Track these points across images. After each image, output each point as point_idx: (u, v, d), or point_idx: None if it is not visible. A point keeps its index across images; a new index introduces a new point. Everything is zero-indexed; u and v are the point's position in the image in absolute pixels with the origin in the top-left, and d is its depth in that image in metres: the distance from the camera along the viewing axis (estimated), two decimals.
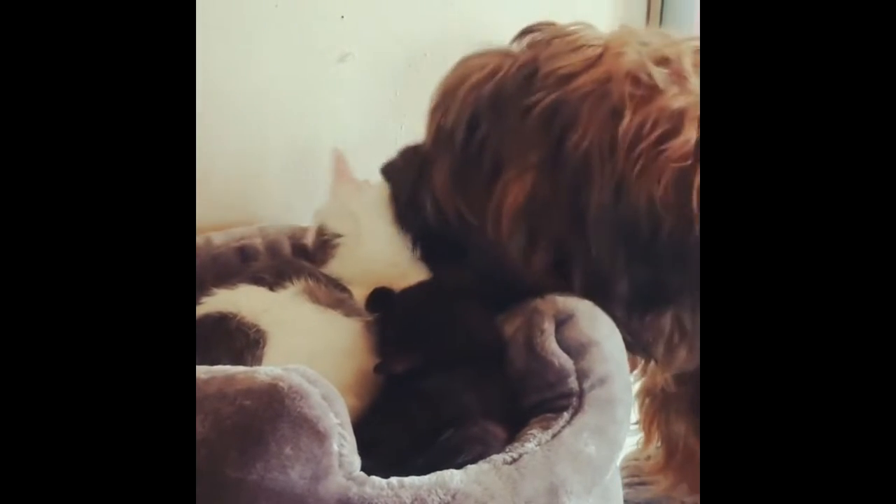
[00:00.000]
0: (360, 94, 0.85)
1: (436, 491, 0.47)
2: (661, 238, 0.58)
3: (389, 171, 0.71)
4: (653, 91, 0.59)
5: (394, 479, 0.48)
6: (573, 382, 0.56)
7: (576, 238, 0.61)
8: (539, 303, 0.60)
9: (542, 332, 0.58)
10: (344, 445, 0.47)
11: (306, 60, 0.82)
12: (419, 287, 0.65)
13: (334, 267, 0.69)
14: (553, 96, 0.60)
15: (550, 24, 0.68)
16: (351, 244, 0.69)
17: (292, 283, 0.65)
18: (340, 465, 0.47)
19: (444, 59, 0.75)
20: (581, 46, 0.62)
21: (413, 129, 0.75)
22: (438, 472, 0.49)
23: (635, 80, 0.59)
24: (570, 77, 0.60)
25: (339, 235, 0.70)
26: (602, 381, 0.57)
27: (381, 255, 0.69)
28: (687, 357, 0.66)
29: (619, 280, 0.61)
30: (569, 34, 0.64)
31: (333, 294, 0.66)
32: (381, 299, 0.64)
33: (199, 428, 0.46)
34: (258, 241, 0.77)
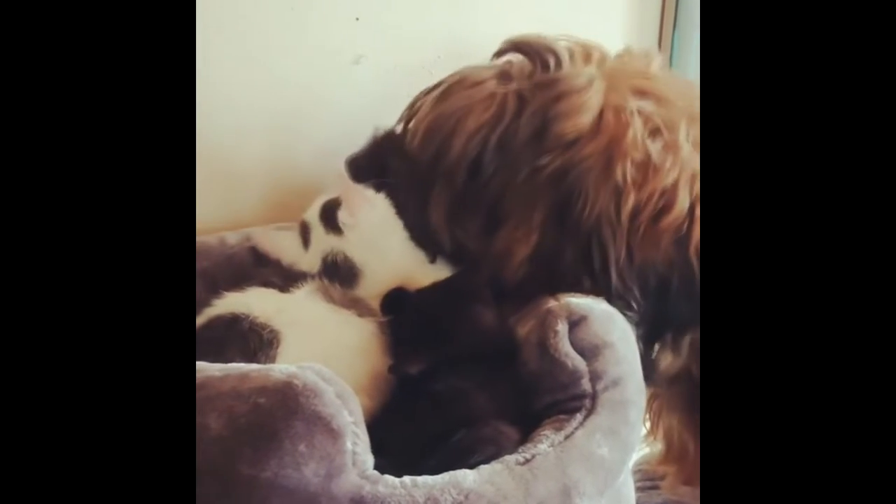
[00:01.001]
0: (373, 96, 0.85)
1: (449, 491, 0.47)
2: (671, 288, 0.63)
3: (383, 184, 0.71)
4: (648, 168, 0.63)
5: (407, 479, 0.48)
6: (586, 384, 0.56)
7: (588, 279, 0.64)
8: (552, 304, 0.60)
9: (556, 333, 0.58)
10: (357, 444, 0.47)
11: (320, 62, 0.82)
12: (433, 288, 0.65)
13: (359, 291, 0.68)
14: (560, 162, 0.64)
15: (542, 46, 0.69)
16: (375, 268, 0.68)
17: (300, 288, 0.65)
18: (354, 464, 0.47)
19: (457, 63, 0.75)
20: (585, 108, 0.64)
21: None
22: (451, 472, 0.49)
23: (634, 156, 0.63)
24: (577, 142, 0.64)
25: (362, 266, 0.68)
26: (615, 383, 0.56)
27: (402, 267, 0.68)
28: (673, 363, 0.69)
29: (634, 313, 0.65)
30: (574, 91, 0.65)
31: (347, 294, 0.66)
32: (396, 300, 0.64)
33: (214, 425, 0.46)
34: None
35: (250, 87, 0.80)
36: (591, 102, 0.64)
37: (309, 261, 0.70)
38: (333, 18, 0.82)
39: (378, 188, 0.70)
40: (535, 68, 0.68)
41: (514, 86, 0.67)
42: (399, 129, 0.74)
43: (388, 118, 0.83)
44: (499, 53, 0.73)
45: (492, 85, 0.68)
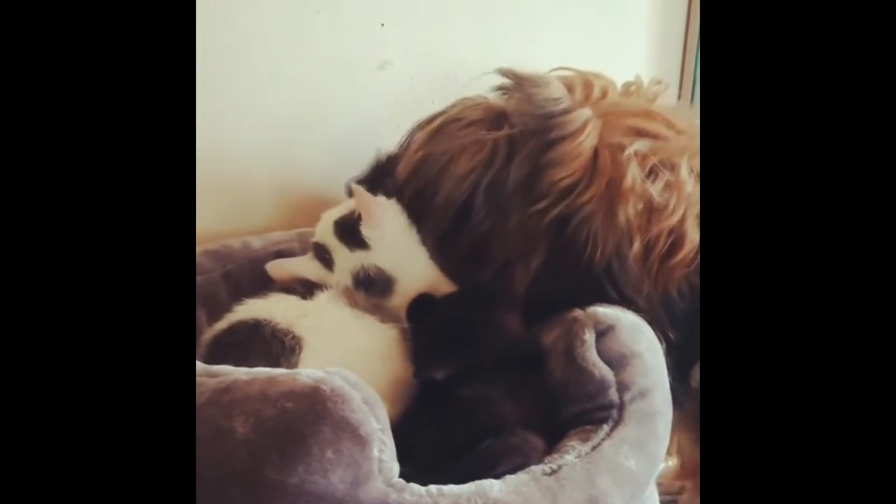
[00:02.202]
0: (398, 101, 0.85)
1: (475, 500, 0.47)
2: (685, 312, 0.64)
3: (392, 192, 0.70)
4: (652, 210, 0.63)
5: (433, 487, 0.47)
6: (613, 394, 0.56)
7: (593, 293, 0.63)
8: (579, 313, 0.59)
9: (583, 342, 0.57)
10: (384, 451, 0.47)
11: (346, 67, 0.82)
12: (459, 294, 0.64)
13: (396, 299, 0.67)
14: (560, 208, 0.63)
15: (540, 86, 0.67)
16: (409, 273, 0.67)
17: (323, 292, 0.65)
18: (380, 471, 0.46)
19: (481, 70, 0.75)
20: (576, 154, 0.63)
21: None
22: (477, 482, 0.49)
23: (636, 199, 0.63)
24: (575, 187, 0.63)
25: (396, 274, 0.67)
26: (643, 394, 0.56)
27: (433, 267, 0.68)
28: None
29: None
30: (566, 137, 0.64)
31: (370, 299, 0.66)
32: (422, 305, 0.64)
33: (241, 429, 0.46)
34: (296, 246, 0.76)
35: (275, 91, 0.80)
36: (584, 147, 0.64)
37: (337, 280, 0.68)
38: (359, 24, 0.82)
39: (389, 196, 0.69)
40: (532, 107, 0.66)
41: (505, 130, 0.66)
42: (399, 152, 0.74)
43: (411, 123, 0.83)
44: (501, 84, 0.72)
45: (485, 127, 0.67)
